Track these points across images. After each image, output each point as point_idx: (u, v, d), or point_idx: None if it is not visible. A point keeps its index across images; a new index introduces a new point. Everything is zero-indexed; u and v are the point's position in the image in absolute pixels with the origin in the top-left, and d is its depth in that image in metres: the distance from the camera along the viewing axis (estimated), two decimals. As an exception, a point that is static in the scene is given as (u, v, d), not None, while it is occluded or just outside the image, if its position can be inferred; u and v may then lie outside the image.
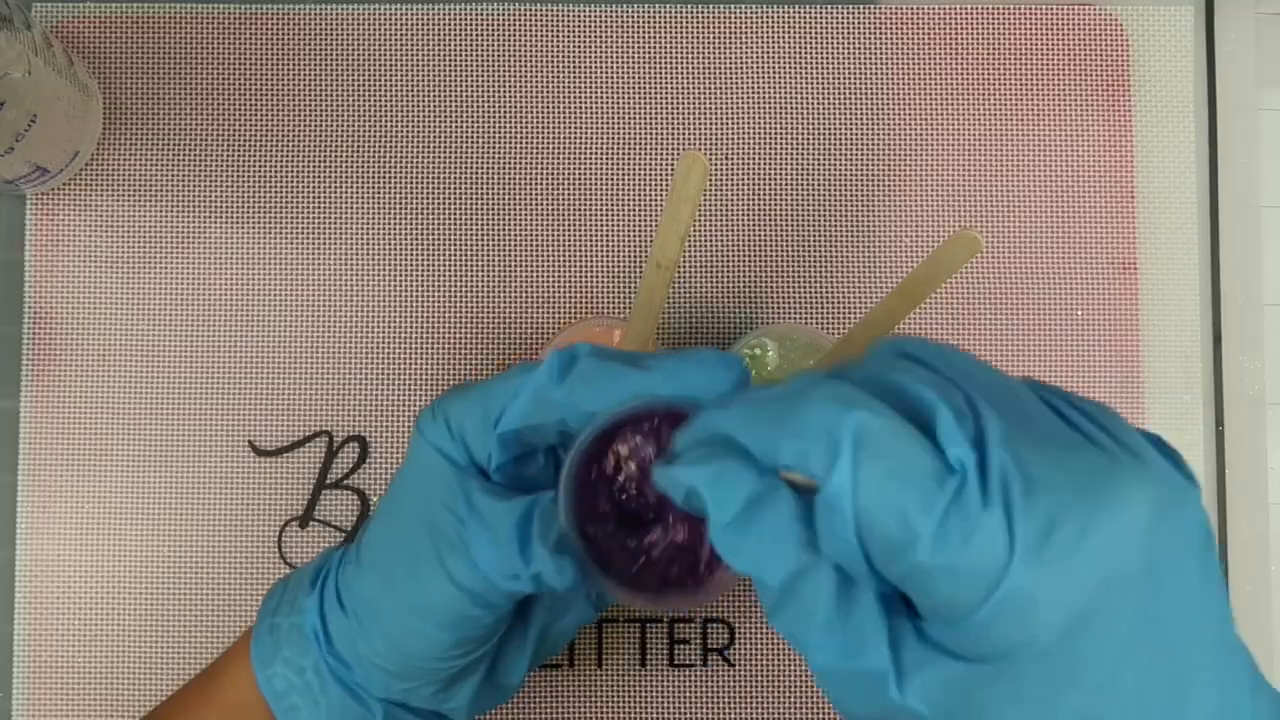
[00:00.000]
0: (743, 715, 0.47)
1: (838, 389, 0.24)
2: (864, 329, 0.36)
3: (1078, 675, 0.23)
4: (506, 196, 0.49)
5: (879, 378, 0.24)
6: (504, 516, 0.32)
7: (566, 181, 0.49)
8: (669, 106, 0.49)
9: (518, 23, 0.50)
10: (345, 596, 0.35)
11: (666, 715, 0.47)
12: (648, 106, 0.49)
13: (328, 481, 0.48)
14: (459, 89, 0.49)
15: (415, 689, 0.36)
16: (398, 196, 0.49)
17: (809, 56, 0.50)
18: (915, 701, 0.24)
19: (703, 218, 0.49)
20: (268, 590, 0.38)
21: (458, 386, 0.35)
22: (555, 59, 0.50)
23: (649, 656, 0.47)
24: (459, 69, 0.49)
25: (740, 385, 0.30)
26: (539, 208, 0.49)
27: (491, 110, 0.49)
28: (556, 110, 0.49)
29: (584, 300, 0.49)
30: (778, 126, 0.49)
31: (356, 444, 0.48)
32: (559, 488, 0.30)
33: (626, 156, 0.49)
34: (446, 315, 0.48)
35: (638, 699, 0.47)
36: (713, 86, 0.49)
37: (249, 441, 0.48)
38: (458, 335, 0.48)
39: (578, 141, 0.49)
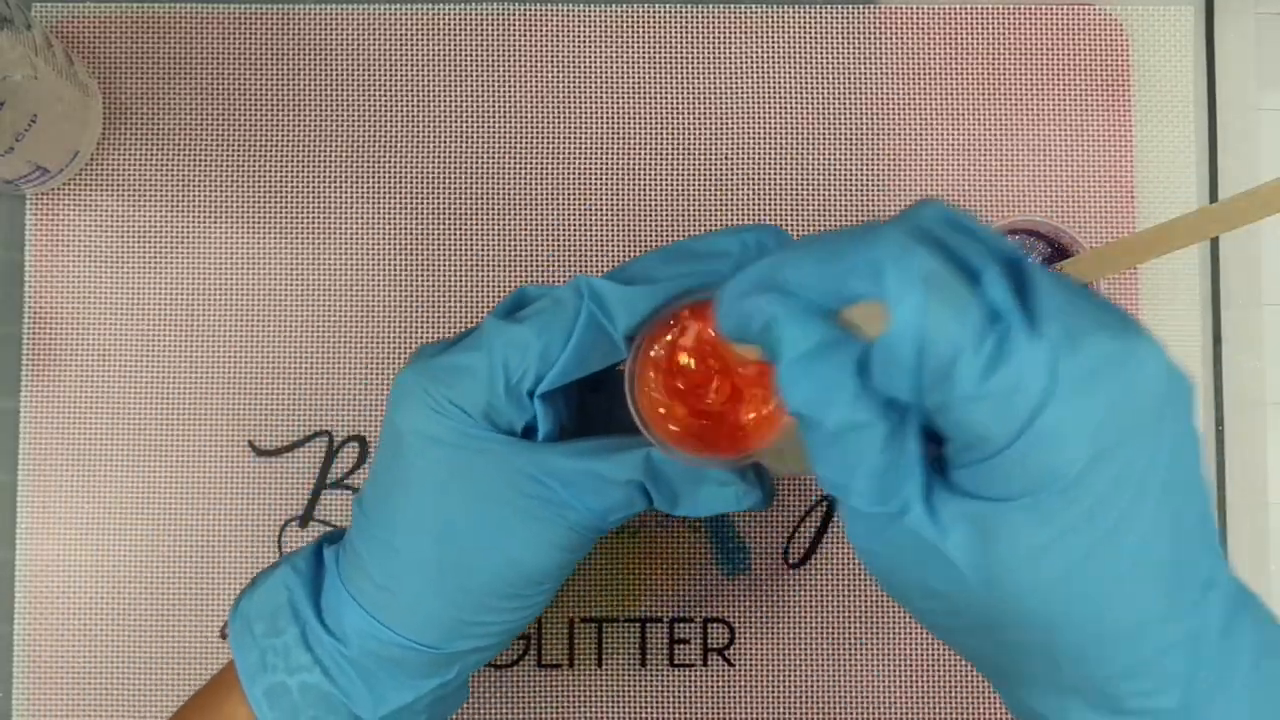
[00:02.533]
0: (743, 715, 0.47)
1: (899, 235, 0.25)
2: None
3: (1095, 511, 0.25)
4: (507, 196, 0.49)
5: (930, 232, 0.26)
6: (616, 474, 0.33)
7: (568, 181, 0.49)
8: (670, 106, 0.49)
9: (519, 22, 0.50)
10: (394, 623, 0.34)
11: (666, 715, 0.47)
12: (649, 106, 0.49)
13: (328, 481, 0.48)
14: (459, 89, 0.49)
15: (477, 660, 0.36)
16: (398, 196, 0.49)
17: (810, 56, 0.50)
18: (945, 537, 0.26)
19: (704, 217, 0.49)
20: (229, 635, 0.36)
21: (417, 367, 0.34)
22: (557, 59, 0.50)
23: (649, 656, 0.47)
24: (460, 69, 0.49)
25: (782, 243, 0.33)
26: (540, 207, 0.49)
27: (492, 110, 0.49)
28: (558, 110, 0.49)
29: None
30: (778, 126, 0.49)
31: (356, 444, 0.48)
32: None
33: (628, 156, 0.49)
34: (447, 315, 0.48)
35: (638, 699, 0.47)
36: (714, 86, 0.49)
37: (249, 441, 0.48)
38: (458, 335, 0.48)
39: (579, 141, 0.49)
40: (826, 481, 0.27)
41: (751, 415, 0.33)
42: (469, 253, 0.49)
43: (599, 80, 0.49)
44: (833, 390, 0.26)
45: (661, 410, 0.32)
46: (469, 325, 0.48)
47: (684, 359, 0.33)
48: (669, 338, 0.33)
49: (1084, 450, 0.24)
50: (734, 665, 0.47)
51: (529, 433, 0.34)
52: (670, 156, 0.49)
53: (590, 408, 0.37)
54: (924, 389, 0.25)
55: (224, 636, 0.37)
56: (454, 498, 0.33)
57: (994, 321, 0.24)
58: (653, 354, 0.33)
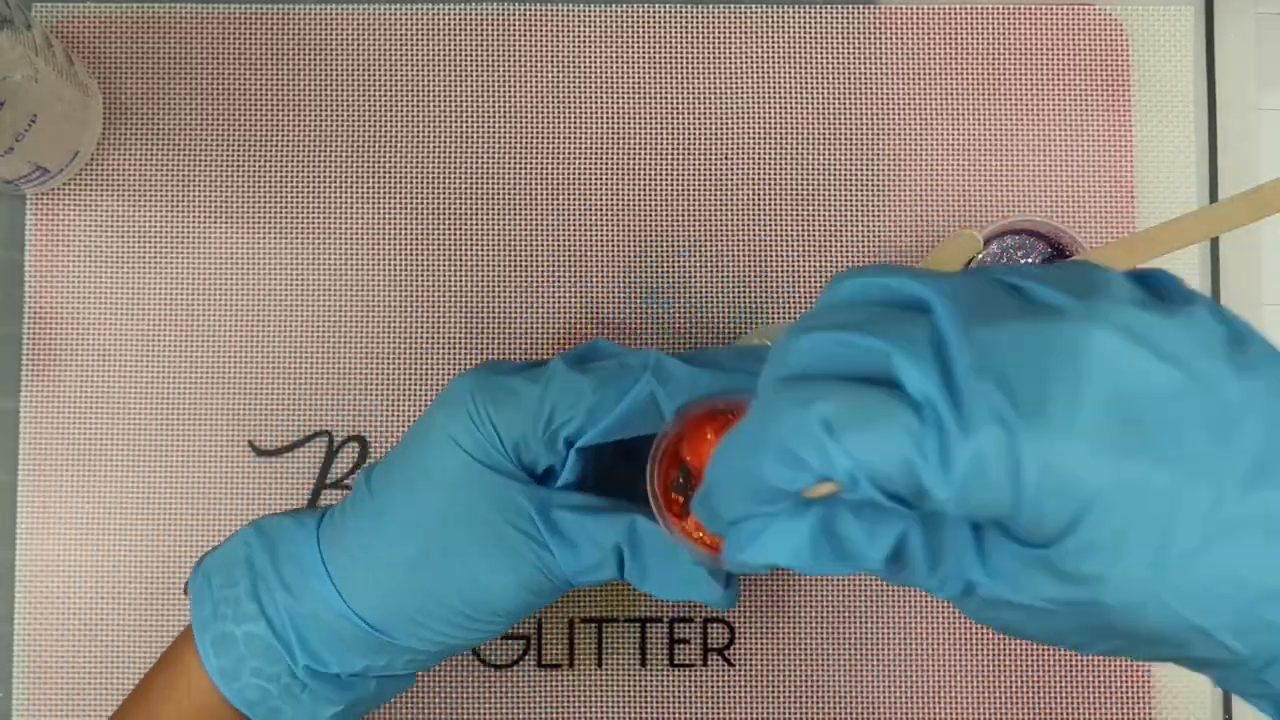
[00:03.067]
0: (743, 715, 0.47)
1: (788, 394, 0.24)
2: None
3: (1156, 509, 0.23)
4: (507, 196, 0.49)
5: (824, 351, 0.25)
6: (601, 535, 0.34)
7: (567, 181, 0.49)
8: (670, 106, 0.49)
9: (519, 22, 0.50)
10: (351, 596, 0.35)
11: (666, 715, 0.47)
12: (649, 106, 0.49)
13: (328, 481, 0.48)
14: (459, 89, 0.49)
15: (414, 661, 0.37)
16: (398, 196, 0.49)
17: (810, 56, 0.50)
18: (1022, 595, 0.24)
19: (704, 217, 0.49)
20: (189, 588, 0.38)
21: (486, 376, 0.35)
22: (556, 59, 0.50)
23: (649, 656, 0.47)
24: (459, 69, 0.49)
25: None
26: (540, 207, 0.49)
27: (492, 110, 0.49)
28: (557, 110, 0.49)
29: (585, 300, 0.49)
30: (779, 126, 0.49)
31: (356, 444, 0.48)
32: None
33: (628, 156, 0.49)
34: (447, 315, 0.48)
35: (638, 699, 0.47)
36: (714, 86, 0.49)
37: (249, 441, 0.48)
38: (458, 335, 0.48)
39: (579, 141, 0.49)
40: (935, 591, 0.27)
41: None
42: (469, 252, 0.49)
43: (599, 80, 0.49)
44: (853, 545, 0.25)
45: (674, 492, 0.34)
46: (468, 324, 0.48)
47: (703, 449, 0.34)
48: (699, 425, 0.34)
49: (1088, 468, 0.23)
50: (734, 665, 0.47)
51: (547, 475, 0.35)
52: (670, 156, 0.49)
53: (618, 474, 0.38)
54: (930, 507, 0.24)
55: (186, 592, 0.38)
56: (452, 506, 0.34)
57: (925, 421, 0.23)
58: (678, 435, 0.34)
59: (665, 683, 0.47)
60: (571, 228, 0.49)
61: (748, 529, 0.26)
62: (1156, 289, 0.25)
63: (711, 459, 0.27)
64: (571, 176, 0.49)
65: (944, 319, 0.24)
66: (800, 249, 0.49)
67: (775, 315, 0.49)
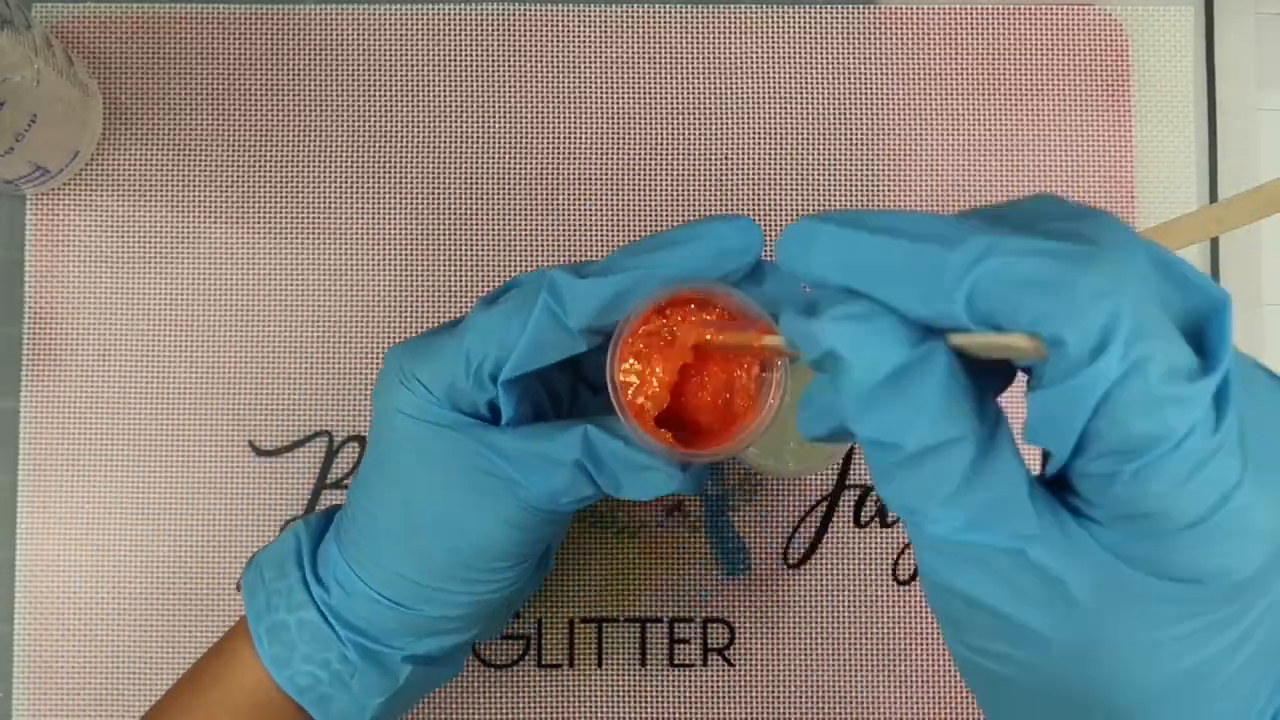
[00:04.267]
0: (743, 715, 0.47)
1: (1115, 263, 0.21)
2: None
3: (1247, 616, 0.22)
4: (507, 196, 0.49)
5: (1157, 262, 0.22)
6: (558, 454, 0.33)
7: (567, 181, 0.49)
8: (670, 106, 0.49)
9: (519, 22, 0.50)
10: (367, 577, 0.36)
11: (666, 715, 0.47)
12: (649, 106, 0.49)
13: (328, 481, 0.48)
14: (459, 89, 0.49)
15: (452, 631, 0.38)
16: (398, 197, 0.49)
17: (810, 56, 0.50)
18: (1062, 572, 0.22)
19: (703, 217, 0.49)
20: (241, 583, 0.39)
21: (402, 344, 0.36)
22: (556, 59, 0.50)
23: (649, 656, 0.47)
24: (460, 69, 0.49)
25: (751, 252, 0.32)
26: (540, 207, 0.49)
27: (492, 110, 0.49)
28: (557, 110, 0.49)
29: (584, 300, 0.49)
30: (779, 126, 0.49)
31: (356, 444, 0.48)
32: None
33: (627, 156, 0.49)
34: (447, 315, 0.48)
35: (638, 699, 0.47)
36: (714, 86, 0.49)
37: (249, 441, 0.48)
38: (458, 335, 0.48)
39: (578, 141, 0.49)
40: (897, 506, 0.24)
41: (727, 409, 0.33)
42: (469, 252, 0.49)
43: (599, 80, 0.49)
44: (912, 413, 0.23)
45: (639, 399, 0.33)
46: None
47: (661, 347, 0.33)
48: (642, 330, 0.33)
49: (1263, 550, 0.22)
50: (734, 665, 0.47)
51: (495, 416, 0.35)
52: (670, 156, 0.49)
53: (589, 407, 0.38)
54: (1085, 453, 0.22)
55: (239, 589, 0.40)
56: (413, 469, 0.35)
57: (1208, 387, 0.21)
58: (629, 342, 0.32)
59: (665, 683, 0.47)
60: (571, 228, 0.49)
61: (859, 316, 0.23)
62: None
63: (919, 216, 0.23)
64: (571, 176, 0.49)
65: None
66: (800, 249, 0.49)
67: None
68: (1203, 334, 0.22)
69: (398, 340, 0.48)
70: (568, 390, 0.38)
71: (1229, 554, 0.21)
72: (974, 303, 0.22)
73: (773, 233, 0.49)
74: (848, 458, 0.48)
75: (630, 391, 0.33)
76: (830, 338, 0.23)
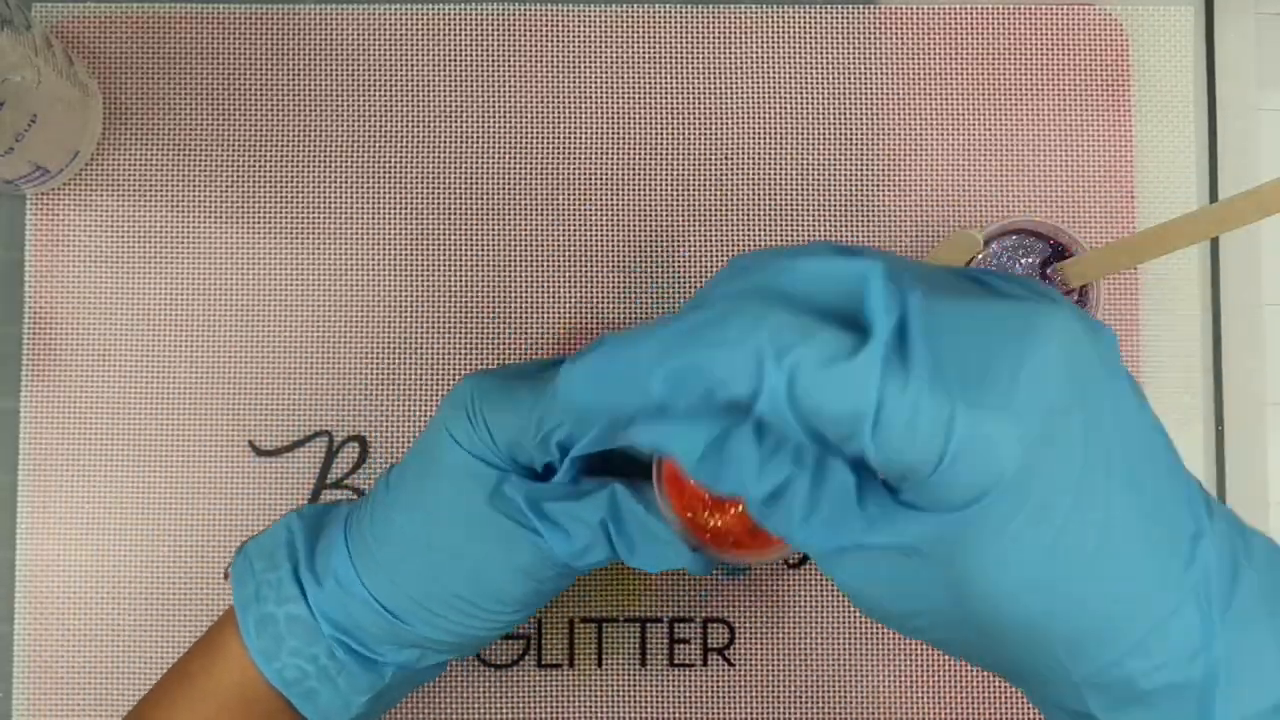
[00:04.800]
0: (743, 715, 0.47)
1: (739, 313, 0.25)
2: None
3: (1047, 502, 0.24)
4: (507, 196, 0.49)
5: (797, 279, 0.25)
6: (586, 514, 0.34)
7: (567, 181, 0.49)
8: (670, 106, 0.49)
9: (519, 23, 0.50)
10: (369, 581, 0.36)
11: (666, 715, 0.47)
12: (649, 106, 0.49)
13: (328, 481, 0.48)
14: (459, 89, 0.49)
15: (436, 650, 0.38)
16: (398, 196, 0.49)
17: (810, 56, 0.50)
18: (896, 561, 0.26)
19: (704, 217, 0.49)
20: (230, 572, 0.39)
21: (485, 378, 0.36)
22: (556, 59, 0.50)
23: (649, 656, 0.47)
24: (460, 69, 0.49)
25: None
26: (540, 207, 0.49)
27: (492, 110, 0.49)
28: (558, 110, 0.49)
29: (585, 300, 0.49)
30: (778, 126, 0.49)
31: (356, 444, 0.48)
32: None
33: (627, 156, 0.49)
34: (447, 315, 0.48)
35: (638, 699, 0.47)
36: (713, 86, 0.49)
37: (249, 441, 0.48)
38: (458, 336, 0.48)
39: (579, 141, 0.49)
40: (784, 540, 0.27)
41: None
42: (469, 253, 0.49)
43: (599, 80, 0.49)
44: (741, 469, 0.26)
45: (686, 504, 0.34)
46: (468, 324, 0.48)
47: None
48: None
49: (1010, 451, 0.24)
50: (734, 665, 0.47)
51: (547, 473, 0.36)
52: (670, 157, 0.49)
53: (618, 465, 0.38)
54: (831, 443, 0.25)
55: (226, 577, 0.40)
56: (447, 496, 0.36)
57: (872, 354, 0.23)
58: None
59: (665, 683, 0.47)
60: (572, 228, 0.49)
61: (650, 422, 0.26)
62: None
63: (619, 338, 0.27)
64: (571, 176, 0.49)
65: (910, 288, 0.25)
66: (800, 249, 0.49)
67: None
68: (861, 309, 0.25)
69: (397, 341, 0.48)
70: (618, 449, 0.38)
71: (980, 472, 0.24)
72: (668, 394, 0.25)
73: (773, 234, 0.49)
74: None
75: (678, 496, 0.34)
76: (646, 440, 0.27)
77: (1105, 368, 0.25)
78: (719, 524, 0.34)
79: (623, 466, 0.37)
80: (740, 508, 0.33)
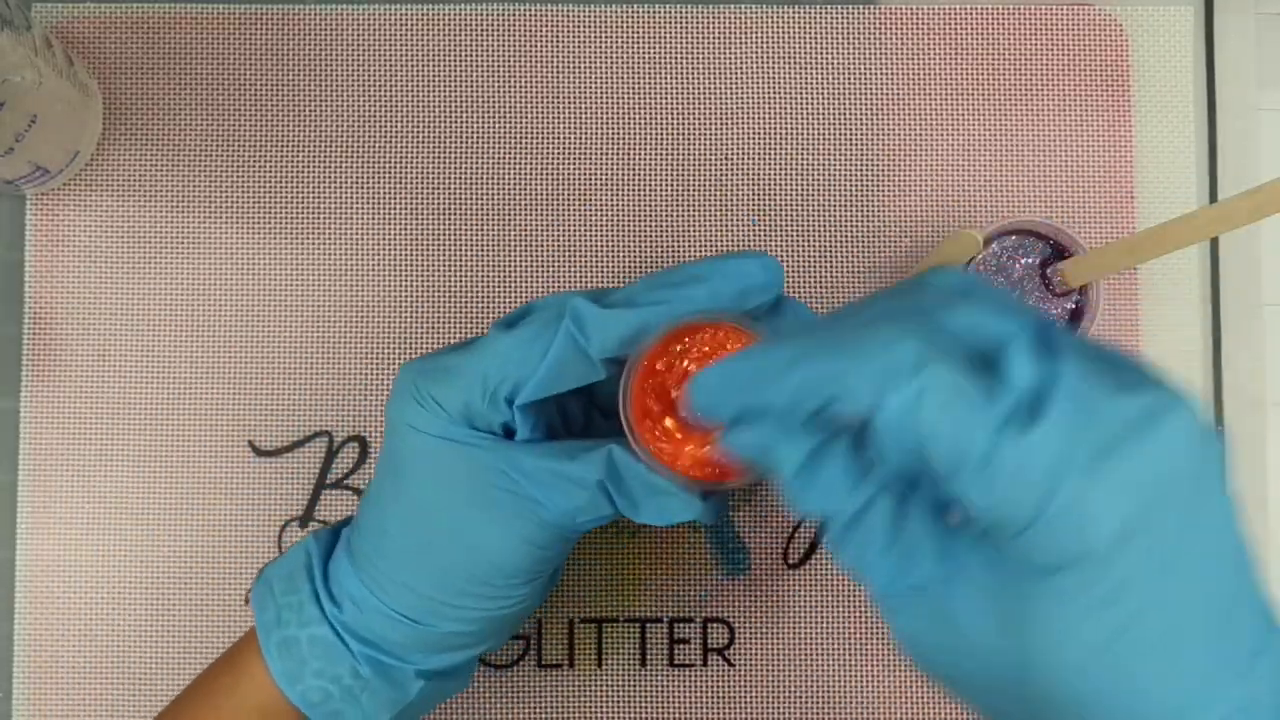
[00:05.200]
0: (743, 715, 0.47)
1: (888, 331, 0.25)
2: None
3: (1127, 584, 0.24)
4: (507, 196, 0.49)
5: (938, 308, 0.26)
6: (581, 474, 0.34)
7: (567, 181, 0.49)
8: (670, 106, 0.49)
9: (519, 22, 0.50)
10: (380, 593, 0.36)
11: (666, 715, 0.47)
12: (649, 106, 0.49)
13: (328, 481, 0.48)
14: (459, 89, 0.49)
15: (463, 646, 0.38)
16: (398, 196, 0.49)
17: (810, 56, 0.50)
18: (964, 610, 0.26)
19: (704, 217, 0.49)
20: (251, 598, 0.39)
21: (415, 363, 0.36)
22: (556, 59, 0.50)
23: (649, 656, 0.47)
24: (459, 69, 0.49)
25: (773, 289, 0.34)
26: (540, 208, 0.49)
27: (492, 110, 0.49)
28: (558, 110, 0.49)
29: (584, 300, 0.49)
30: (778, 126, 0.49)
31: (356, 444, 0.48)
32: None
33: (627, 156, 0.49)
34: (447, 315, 0.48)
35: (638, 699, 0.47)
36: (714, 86, 0.49)
37: (249, 441, 0.48)
38: (458, 335, 0.48)
39: (579, 141, 0.49)
40: (848, 568, 0.28)
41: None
42: (469, 253, 0.49)
43: (599, 80, 0.49)
44: (833, 489, 0.27)
45: (655, 430, 0.33)
46: (468, 325, 0.48)
47: (672, 381, 0.33)
48: (661, 361, 0.33)
49: (1109, 526, 0.24)
50: (734, 665, 0.47)
51: (508, 435, 0.35)
52: (670, 156, 0.49)
53: (602, 430, 0.38)
54: (935, 477, 0.25)
55: (247, 602, 0.40)
56: (429, 486, 0.35)
57: (1002, 398, 0.24)
58: (645, 372, 0.33)
59: (665, 683, 0.47)
60: (572, 228, 0.49)
61: (752, 428, 0.28)
62: None
63: (756, 346, 0.28)
64: (571, 176, 0.49)
65: (1053, 351, 0.25)
66: (800, 248, 0.49)
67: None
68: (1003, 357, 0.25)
69: (397, 341, 0.48)
70: (581, 412, 0.38)
71: (1075, 539, 0.24)
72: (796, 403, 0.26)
73: (774, 234, 0.49)
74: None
75: (647, 423, 0.33)
76: (745, 448, 0.28)
77: (1211, 473, 0.26)
78: (695, 453, 0.34)
79: (604, 434, 0.37)
80: (710, 441, 0.33)
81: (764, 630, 0.47)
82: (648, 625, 0.47)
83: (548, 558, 0.36)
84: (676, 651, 0.47)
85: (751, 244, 0.49)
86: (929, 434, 0.24)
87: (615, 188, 0.49)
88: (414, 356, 0.48)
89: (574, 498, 0.34)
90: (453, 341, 0.48)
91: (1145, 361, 0.27)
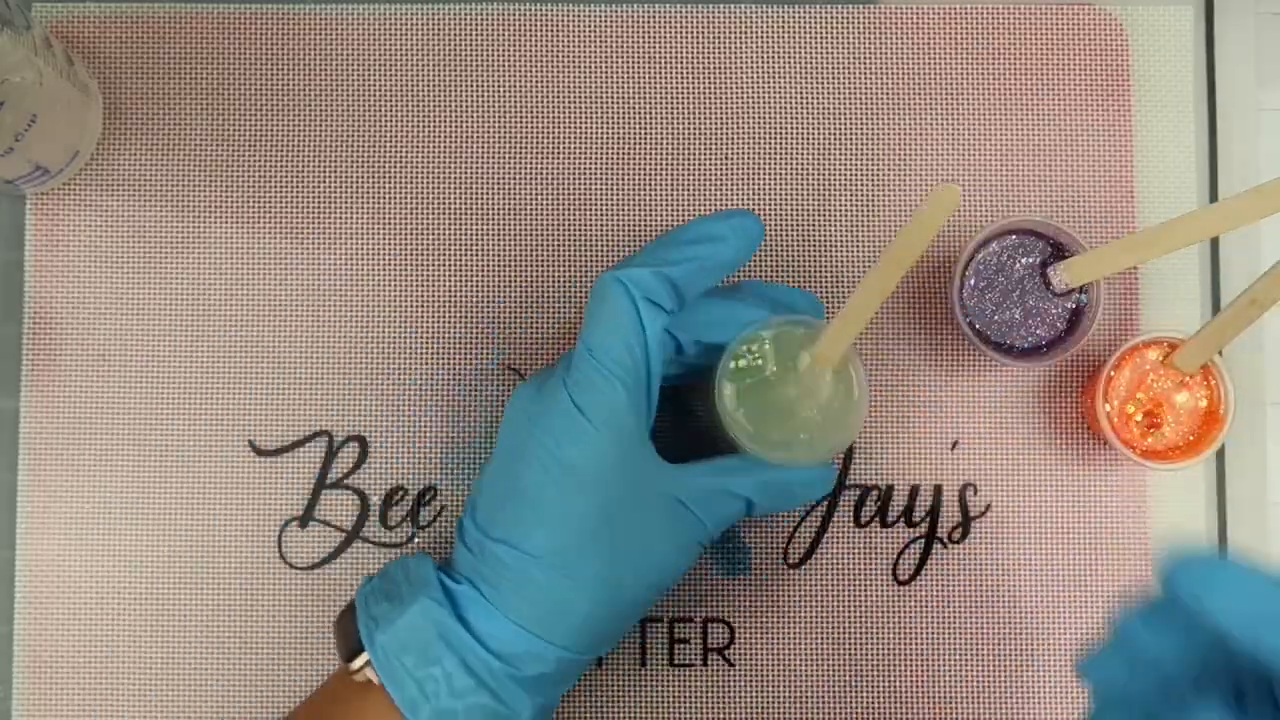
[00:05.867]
0: (743, 715, 0.47)
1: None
2: (859, 300, 0.37)
3: None
4: (507, 196, 0.49)
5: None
6: (738, 489, 0.39)
7: (567, 181, 0.49)
8: (670, 106, 0.49)
9: (519, 22, 0.50)
10: (553, 636, 0.37)
11: (666, 715, 0.47)
12: (649, 106, 0.49)
13: (328, 481, 0.48)
14: (459, 89, 0.49)
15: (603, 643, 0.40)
16: (398, 196, 0.49)
17: (809, 56, 0.50)
18: None
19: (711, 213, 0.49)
20: (379, 673, 0.38)
21: (534, 388, 0.40)
22: (557, 59, 0.50)
23: (649, 656, 0.47)
24: (460, 69, 0.49)
25: (762, 236, 0.40)
26: (540, 207, 0.49)
27: (492, 110, 0.49)
28: (558, 110, 0.49)
29: (585, 300, 0.49)
30: (778, 126, 0.49)
31: (356, 444, 0.48)
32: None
33: (627, 156, 0.49)
34: (447, 315, 0.48)
35: (638, 699, 0.47)
36: (714, 86, 0.49)
37: (249, 441, 0.48)
38: (458, 335, 0.48)
39: (579, 141, 0.49)
40: None
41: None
42: (469, 252, 0.49)
43: (599, 80, 0.49)
44: None
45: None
46: (468, 323, 0.48)
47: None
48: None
49: None
50: (734, 665, 0.47)
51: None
52: (670, 156, 0.49)
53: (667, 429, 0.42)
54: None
55: (347, 660, 0.39)
56: (614, 503, 0.37)
57: None
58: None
59: (665, 683, 0.47)
60: (572, 227, 0.49)
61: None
62: None
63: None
64: (571, 176, 0.49)
65: None
66: (800, 248, 0.49)
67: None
68: None
69: (397, 340, 0.48)
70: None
71: None
72: None
73: (773, 233, 0.49)
74: (847, 458, 0.48)
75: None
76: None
77: None
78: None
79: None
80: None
81: (764, 630, 0.47)
82: (648, 625, 0.47)
83: (691, 566, 0.40)
84: (676, 651, 0.47)
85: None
86: None
87: (615, 186, 0.49)
88: (413, 356, 0.48)
89: (729, 510, 0.39)
90: (453, 342, 0.48)
91: None
